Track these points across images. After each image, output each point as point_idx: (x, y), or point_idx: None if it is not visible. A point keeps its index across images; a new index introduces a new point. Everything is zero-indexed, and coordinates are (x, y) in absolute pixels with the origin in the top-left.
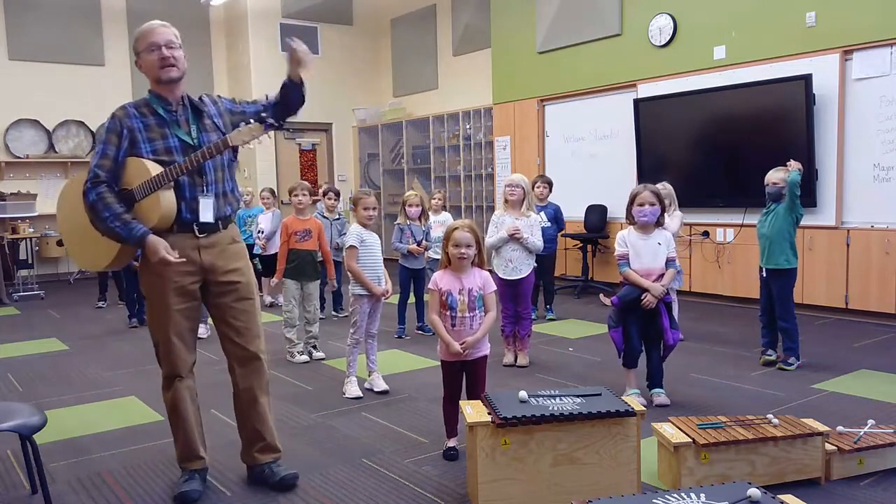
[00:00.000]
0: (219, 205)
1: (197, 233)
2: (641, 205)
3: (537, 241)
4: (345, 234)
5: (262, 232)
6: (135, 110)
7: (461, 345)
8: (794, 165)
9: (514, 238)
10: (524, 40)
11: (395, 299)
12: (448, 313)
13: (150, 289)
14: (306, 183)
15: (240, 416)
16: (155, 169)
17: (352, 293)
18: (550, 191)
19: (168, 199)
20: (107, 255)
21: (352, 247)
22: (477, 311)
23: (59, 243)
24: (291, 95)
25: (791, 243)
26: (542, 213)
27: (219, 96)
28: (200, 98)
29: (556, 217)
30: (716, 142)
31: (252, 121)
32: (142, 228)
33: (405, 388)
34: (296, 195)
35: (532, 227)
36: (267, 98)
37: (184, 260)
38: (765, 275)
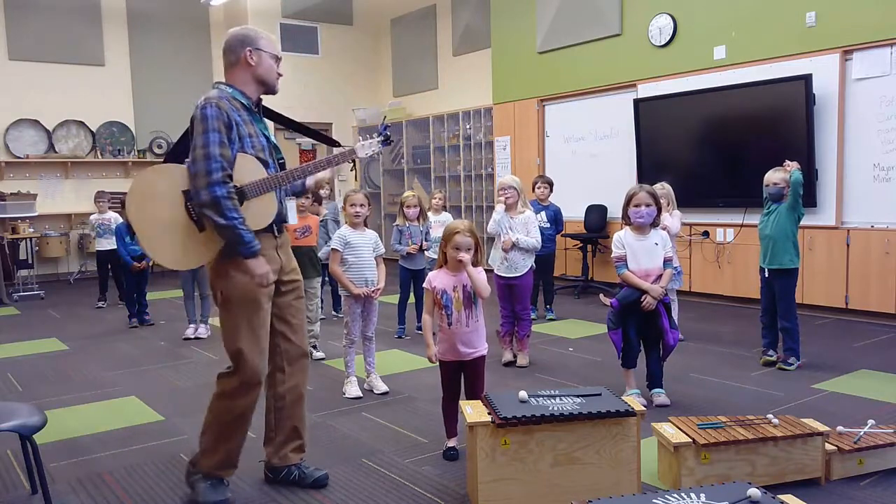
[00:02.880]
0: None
1: (276, 233)
2: (637, 205)
3: (532, 239)
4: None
5: None
6: (228, 103)
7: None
8: (793, 165)
9: (506, 249)
10: (524, 40)
11: (395, 299)
12: (444, 312)
13: (241, 290)
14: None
15: (281, 416)
16: (261, 168)
17: (342, 294)
18: (551, 191)
19: (276, 200)
20: (208, 251)
21: (334, 250)
22: (473, 309)
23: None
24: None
25: (794, 243)
26: (543, 214)
27: None
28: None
29: (555, 218)
30: (716, 142)
31: (372, 136)
32: (258, 243)
33: (405, 388)
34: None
35: (527, 224)
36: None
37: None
38: (767, 275)
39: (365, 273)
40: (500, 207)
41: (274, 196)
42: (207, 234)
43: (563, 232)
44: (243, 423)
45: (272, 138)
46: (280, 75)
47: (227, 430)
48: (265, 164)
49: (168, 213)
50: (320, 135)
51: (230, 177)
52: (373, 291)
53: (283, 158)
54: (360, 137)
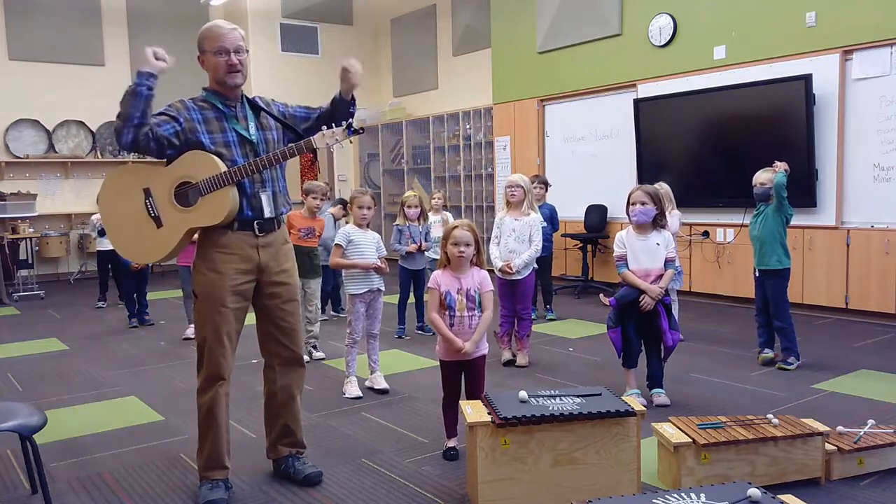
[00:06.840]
0: (275, 203)
1: (257, 231)
2: (633, 204)
3: (533, 252)
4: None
5: None
6: (192, 103)
7: (460, 348)
8: (781, 166)
9: (506, 272)
10: (524, 40)
11: (395, 299)
12: (447, 313)
13: (206, 287)
14: (324, 185)
15: (271, 414)
16: (222, 165)
17: (346, 293)
18: (546, 191)
19: (235, 195)
20: (162, 247)
21: (337, 245)
22: (475, 311)
23: (102, 233)
24: (340, 110)
25: (782, 244)
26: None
27: (272, 99)
28: (255, 98)
29: (551, 217)
30: (716, 142)
31: (335, 126)
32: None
33: (405, 388)
34: (315, 197)
35: (531, 227)
36: (320, 108)
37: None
38: (758, 275)
39: (369, 270)
40: (500, 214)
41: (230, 191)
42: (164, 230)
43: (564, 232)
44: (211, 422)
45: (249, 132)
46: (233, 65)
47: (203, 429)
48: (228, 159)
49: (131, 208)
50: (289, 126)
51: (147, 125)
52: (379, 267)
53: (268, 152)
54: (324, 126)
